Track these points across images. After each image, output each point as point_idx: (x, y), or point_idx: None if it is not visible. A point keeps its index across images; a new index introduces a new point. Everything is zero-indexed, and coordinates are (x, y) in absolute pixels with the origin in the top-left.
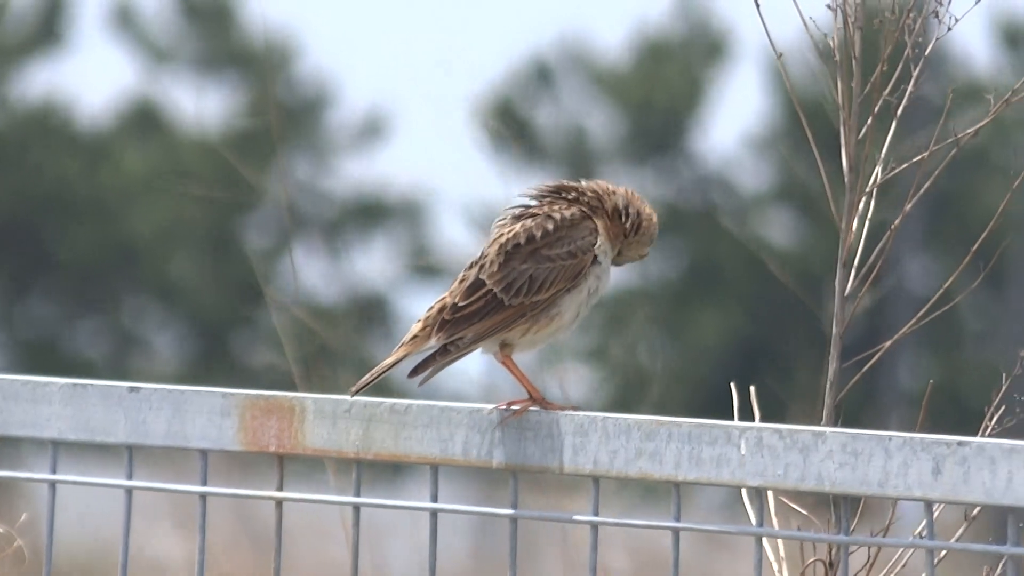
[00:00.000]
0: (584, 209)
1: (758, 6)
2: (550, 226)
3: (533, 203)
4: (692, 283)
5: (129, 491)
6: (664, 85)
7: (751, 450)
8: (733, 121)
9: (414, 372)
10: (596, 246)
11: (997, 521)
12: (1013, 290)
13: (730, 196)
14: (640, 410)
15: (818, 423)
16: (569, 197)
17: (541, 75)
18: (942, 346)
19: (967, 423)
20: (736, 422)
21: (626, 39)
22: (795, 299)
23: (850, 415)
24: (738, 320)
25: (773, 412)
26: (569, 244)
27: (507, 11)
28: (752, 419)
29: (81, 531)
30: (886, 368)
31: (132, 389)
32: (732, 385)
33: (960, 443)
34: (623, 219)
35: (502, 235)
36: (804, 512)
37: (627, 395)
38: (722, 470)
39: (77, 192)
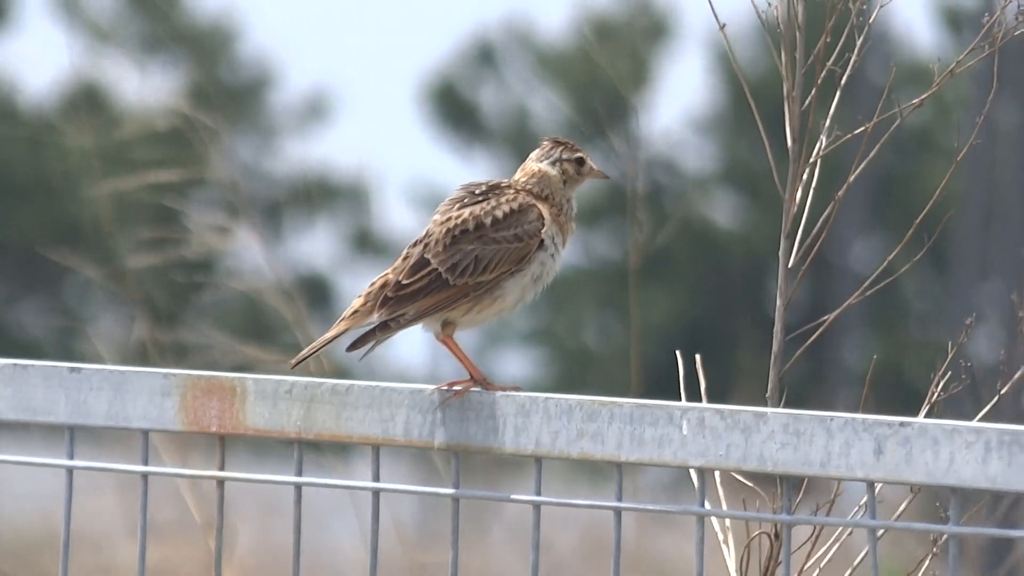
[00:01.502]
0: (529, 198)
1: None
2: (499, 214)
3: (476, 190)
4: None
5: (70, 471)
6: (608, 66)
7: (693, 430)
8: (678, 102)
9: (353, 346)
10: (543, 231)
11: (939, 496)
12: (957, 271)
13: (675, 177)
14: (586, 391)
15: (762, 402)
16: (515, 190)
17: (485, 56)
18: (887, 327)
19: (912, 403)
20: (678, 402)
21: (570, 20)
22: (740, 279)
23: (796, 395)
24: (683, 301)
25: (718, 391)
26: (516, 228)
27: None
28: (699, 390)
29: (30, 510)
30: (832, 348)
31: (73, 369)
32: (677, 354)
33: (902, 424)
34: (570, 167)
35: (450, 219)
36: (750, 484)
37: (572, 375)
38: (664, 450)
39: (20, 173)
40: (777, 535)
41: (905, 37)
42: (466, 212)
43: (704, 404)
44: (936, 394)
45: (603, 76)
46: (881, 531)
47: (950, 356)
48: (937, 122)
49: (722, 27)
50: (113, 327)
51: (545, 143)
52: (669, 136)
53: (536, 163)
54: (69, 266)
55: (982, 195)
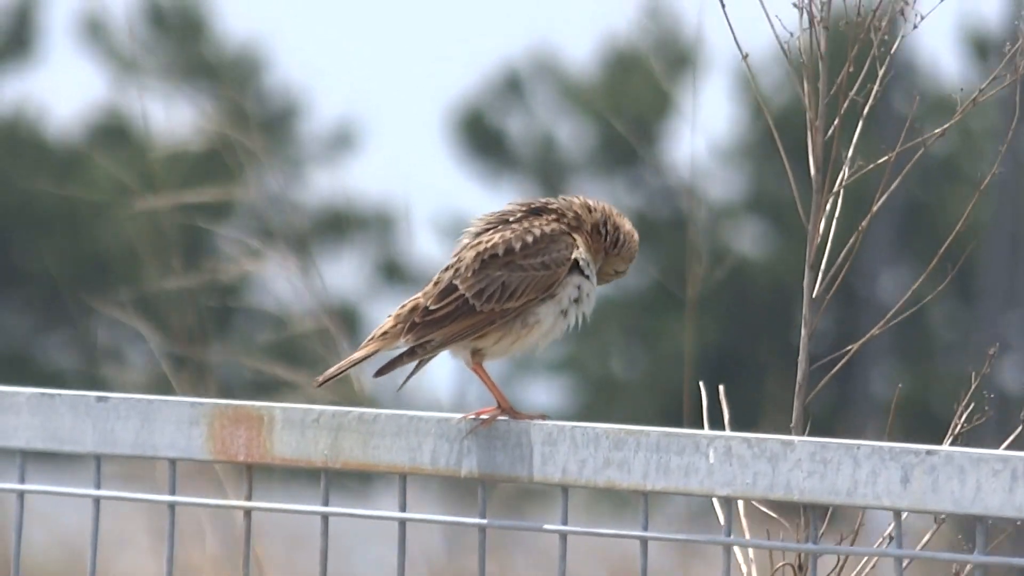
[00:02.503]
0: (564, 226)
1: (723, 6)
2: (529, 239)
3: (511, 217)
4: (663, 293)
5: (97, 501)
6: (634, 95)
7: (720, 459)
8: (704, 131)
9: (380, 373)
10: (579, 256)
11: (965, 525)
12: (984, 301)
13: (700, 206)
14: (612, 419)
15: (789, 430)
16: (551, 219)
17: (511, 85)
18: (914, 357)
19: (938, 433)
20: (704, 431)
21: (595, 49)
22: (767, 309)
23: (824, 425)
24: (710, 330)
25: (745, 421)
26: (544, 256)
27: (477, 22)
28: (723, 420)
29: (55, 540)
30: (859, 379)
31: (100, 398)
32: (701, 385)
33: (929, 452)
34: (603, 236)
35: (480, 243)
36: (774, 515)
37: (599, 404)
38: (690, 479)
39: (47, 204)
40: (801, 566)
41: (931, 67)
42: (497, 236)
43: (731, 433)
44: (959, 425)
45: (629, 105)
46: (907, 561)
47: (973, 386)
48: (964, 152)
49: (745, 57)
50: (141, 357)
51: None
52: (694, 164)
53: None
54: (95, 306)
55: (1009, 225)
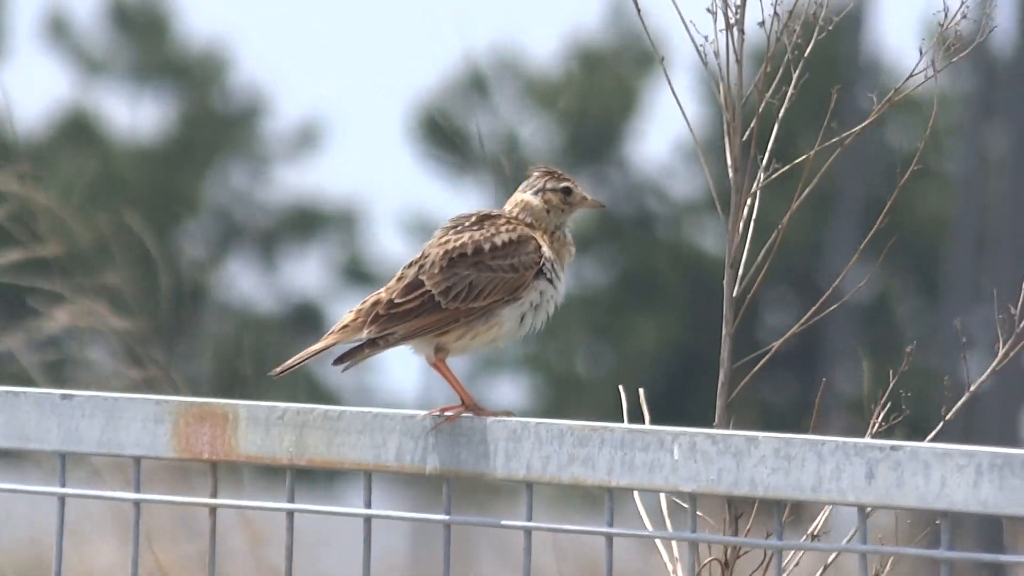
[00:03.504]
0: (527, 229)
1: (638, 9)
2: (499, 241)
3: (467, 222)
4: (627, 290)
5: (62, 499)
6: (598, 93)
7: (684, 455)
8: (667, 129)
9: (339, 361)
10: (545, 259)
11: (928, 521)
12: (950, 298)
13: (664, 204)
14: (576, 417)
15: (751, 428)
16: (513, 220)
17: (475, 84)
18: (880, 353)
19: (904, 429)
20: (669, 427)
21: (560, 48)
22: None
23: (790, 422)
24: (673, 327)
25: (708, 418)
26: (513, 258)
27: (441, 20)
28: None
29: (26, 538)
30: (824, 374)
31: (65, 396)
32: (640, 393)
33: (893, 447)
34: (561, 197)
35: (449, 241)
36: (700, 513)
37: (563, 402)
38: (655, 475)
39: (10, 203)
40: (727, 563)
41: (897, 64)
42: (465, 236)
43: (695, 429)
44: (877, 424)
45: (593, 103)
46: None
47: (891, 385)
48: (928, 149)
49: (661, 59)
50: (104, 357)
51: (532, 173)
52: (658, 162)
53: (521, 193)
54: (57, 299)
55: (974, 221)
